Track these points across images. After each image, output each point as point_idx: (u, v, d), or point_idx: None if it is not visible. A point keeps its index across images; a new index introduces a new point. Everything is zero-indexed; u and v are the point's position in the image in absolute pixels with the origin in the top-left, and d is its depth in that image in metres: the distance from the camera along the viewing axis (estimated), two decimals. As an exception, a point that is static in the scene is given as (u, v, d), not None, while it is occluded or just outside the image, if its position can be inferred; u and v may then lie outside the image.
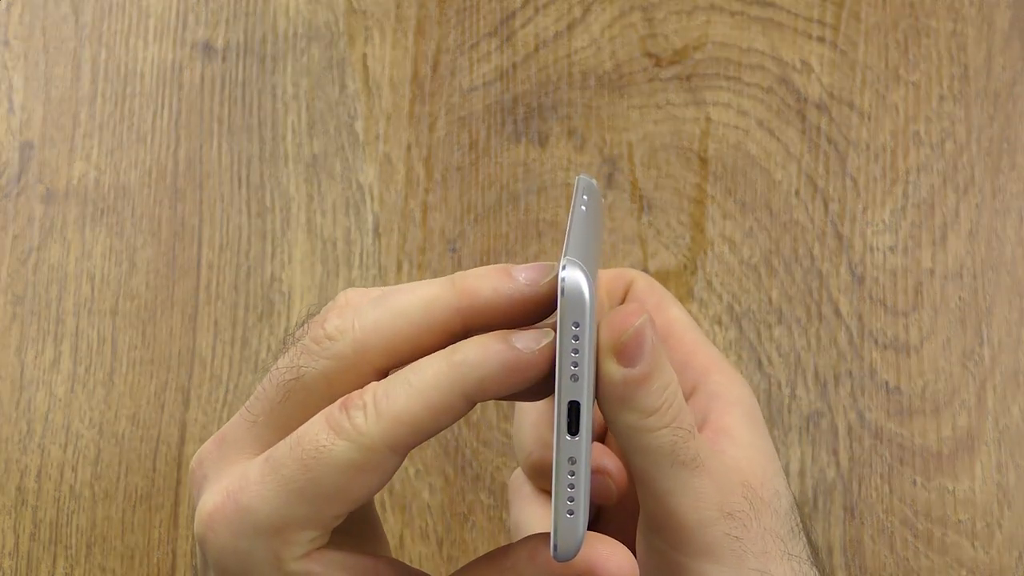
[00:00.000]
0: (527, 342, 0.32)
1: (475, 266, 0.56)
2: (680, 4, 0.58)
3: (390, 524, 0.54)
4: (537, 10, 0.59)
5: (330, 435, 0.31)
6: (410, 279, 0.56)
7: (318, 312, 0.35)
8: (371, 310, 0.33)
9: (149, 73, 0.59)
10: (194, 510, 0.34)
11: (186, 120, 0.58)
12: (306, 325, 0.34)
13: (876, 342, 0.55)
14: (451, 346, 0.32)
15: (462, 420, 0.55)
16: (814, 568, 0.38)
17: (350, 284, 0.56)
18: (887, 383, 0.54)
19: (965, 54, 0.58)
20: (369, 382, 0.32)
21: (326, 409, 0.32)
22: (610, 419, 0.35)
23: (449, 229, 0.57)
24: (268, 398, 0.33)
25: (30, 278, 0.56)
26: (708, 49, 0.58)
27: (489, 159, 0.57)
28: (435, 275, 0.56)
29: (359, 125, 0.58)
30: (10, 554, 0.53)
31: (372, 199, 0.57)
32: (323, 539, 0.33)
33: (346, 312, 0.33)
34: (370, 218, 0.57)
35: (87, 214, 0.57)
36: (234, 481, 0.33)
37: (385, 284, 0.56)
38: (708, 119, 0.57)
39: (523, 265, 0.34)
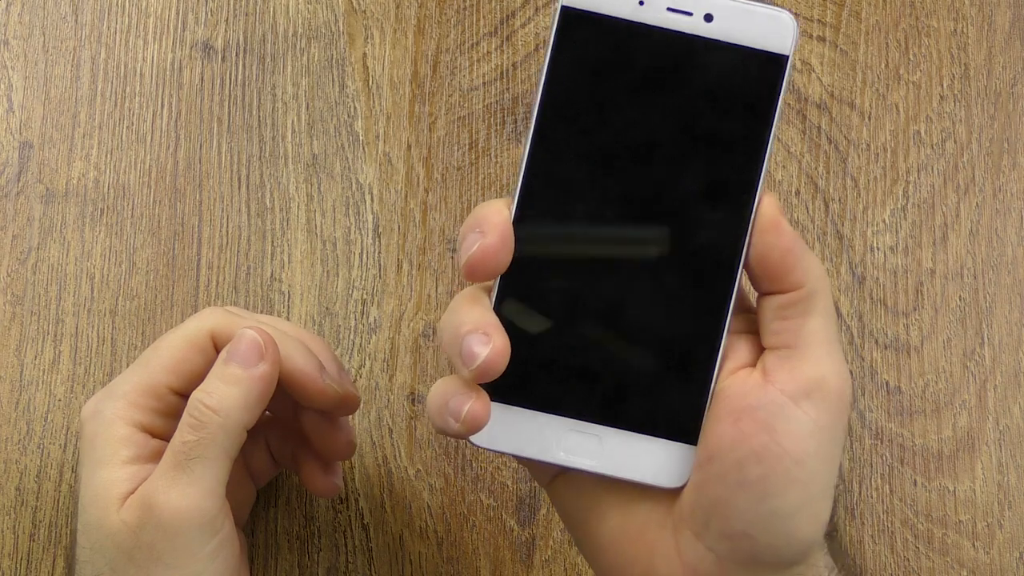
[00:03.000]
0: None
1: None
2: (680, 4, 0.58)
3: (390, 524, 0.54)
4: (537, 10, 0.59)
5: None
6: (410, 279, 0.56)
7: None
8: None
9: (149, 73, 0.59)
10: None
11: (186, 120, 0.58)
12: None
13: (877, 342, 0.55)
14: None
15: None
16: None
17: (350, 284, 0.56)
18: (888, 383, 0.54)
19: (966, 54, 0.58)
20: None
21: None
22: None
23: (449, 229, 0.57)
24: None
25: (29, 278, 0.56)
26: (708, 49, 0.58)
27: (489, 159, 0.57)
28: (435, 275, 0.56)
29: (359, 125, 0.58)
30: (10, 554, 0.53)
31: (372, 199, 0.57)
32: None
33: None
34: (370, 218, 0.57)
35: (86, 214, 0.57)
36: None
37: (385, 284, 0.56)
38: (708, 119, 0.57)
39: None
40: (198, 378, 0.44)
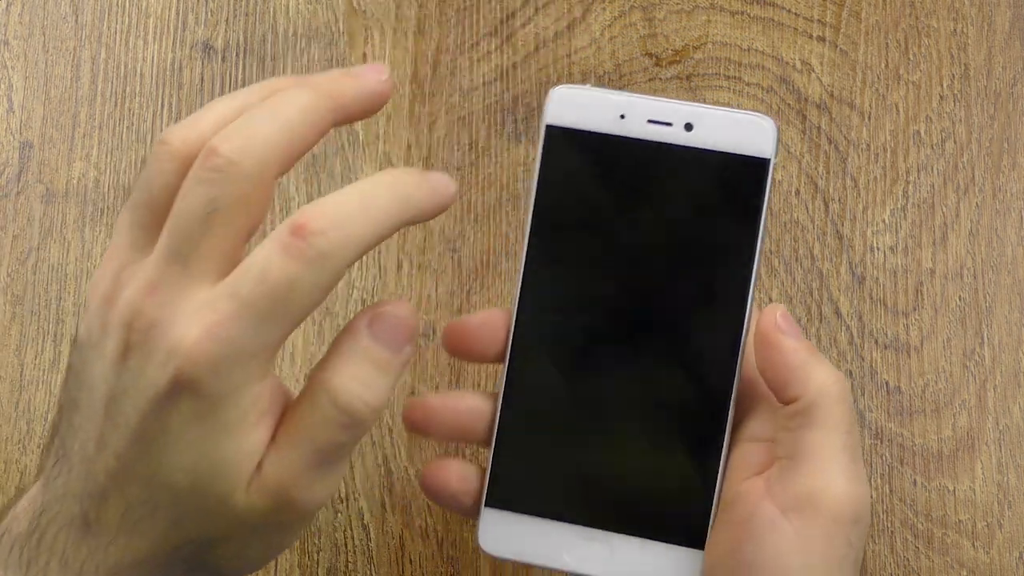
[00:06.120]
0: (443, 182, 0.37)
1: (476, 268, 0.56)
2: (680, 4, 0.58)
3: (390, 524, 0.54)
4: (537, 10, 0.59)
5: (297, 265, 0.33)
6: (410, 279, 0.56)
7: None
8: (260, 127, 0.35)
9: (149, 73, 0.59)
10: (136, 366, 0.34)
11: (186, 120, 0.58)
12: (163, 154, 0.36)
13: (876, 342, 0.55)
14: (391, 178, 0.36)
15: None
16: None
17: (350, 284, 0.56)
18: (887, 383, 0.54)
19: (966, 54, 0.58)
20: (270, 190, 0.35)
21: (277, 237, 0.34)
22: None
23: (449, 229, 0.57)
24: (192, 238, 0.34)
25: (30, 278, 0.56)
26: (708, 49, 0.58)
27: (489, 159, 0.57)
28: (436, 276, 0.56)
29: (359, 125, 0.58)
30: (10, 554, 0.53)
31: (372, 199, 0.57)
32: None
33: (232, 135, 0.35)
34: (370, 218, 0.57)
35: (87, 214, 0.57)
36: (206, 317, 0.34)
37: (386, 285, 0.56)
38: (708, 119, 0.57)
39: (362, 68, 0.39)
40: None
